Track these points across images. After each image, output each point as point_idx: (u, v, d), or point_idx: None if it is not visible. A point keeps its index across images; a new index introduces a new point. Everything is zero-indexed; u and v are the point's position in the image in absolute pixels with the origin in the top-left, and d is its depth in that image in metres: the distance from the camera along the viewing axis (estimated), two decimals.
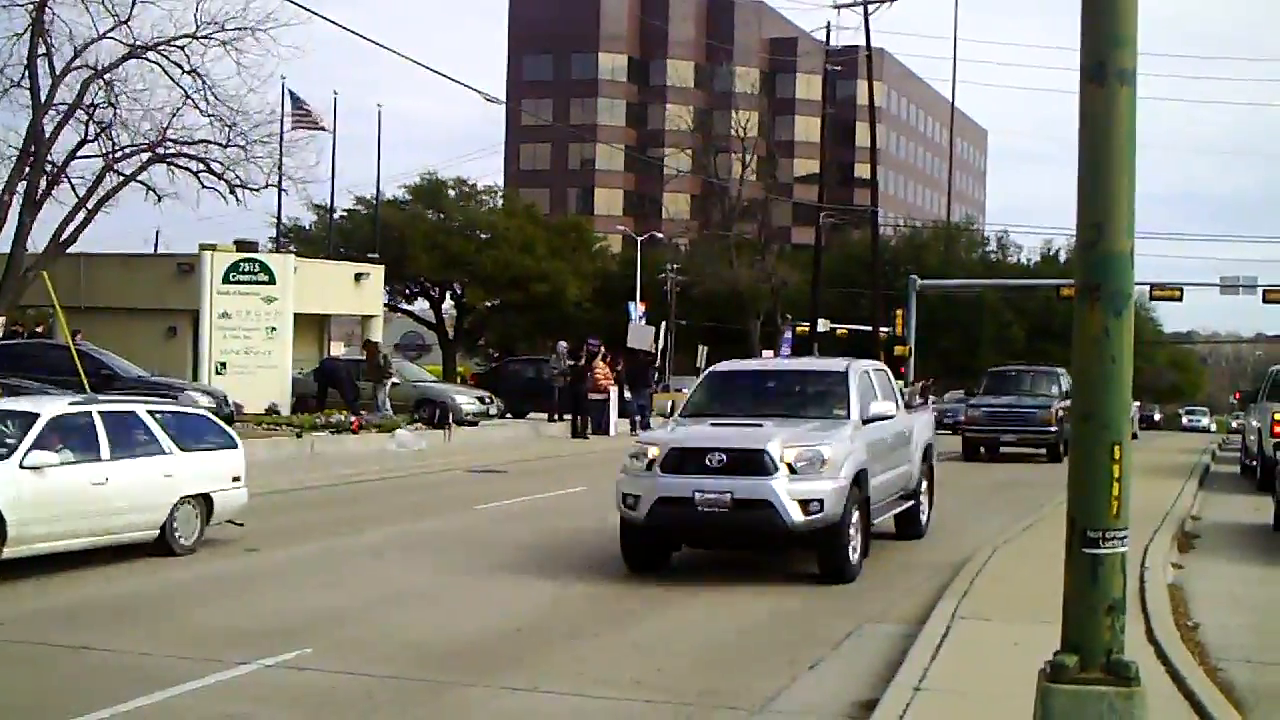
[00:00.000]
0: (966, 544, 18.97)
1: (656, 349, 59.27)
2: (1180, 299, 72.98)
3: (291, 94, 50.39)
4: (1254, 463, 31.61)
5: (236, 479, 18.08)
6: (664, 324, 60.46)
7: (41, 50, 37.45)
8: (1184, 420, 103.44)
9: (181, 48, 38.54)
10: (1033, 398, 40.12)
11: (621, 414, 43.29)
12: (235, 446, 18.35)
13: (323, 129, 52.18)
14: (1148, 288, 71.56)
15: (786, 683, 10.92)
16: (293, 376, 38.99)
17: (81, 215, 38.53)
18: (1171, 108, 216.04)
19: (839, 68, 78.53)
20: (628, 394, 44.08)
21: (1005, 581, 15.01)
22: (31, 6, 36.92)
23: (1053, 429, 37.45)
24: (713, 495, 14.87)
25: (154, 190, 40.06)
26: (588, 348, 42.96)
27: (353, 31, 33.03)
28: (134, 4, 37.77)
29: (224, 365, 37.31)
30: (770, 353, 69.34)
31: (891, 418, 17.55)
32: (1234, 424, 77.39)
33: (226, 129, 39.39)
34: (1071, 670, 6.66)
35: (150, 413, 17.36)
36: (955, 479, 33.18)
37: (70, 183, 39.01)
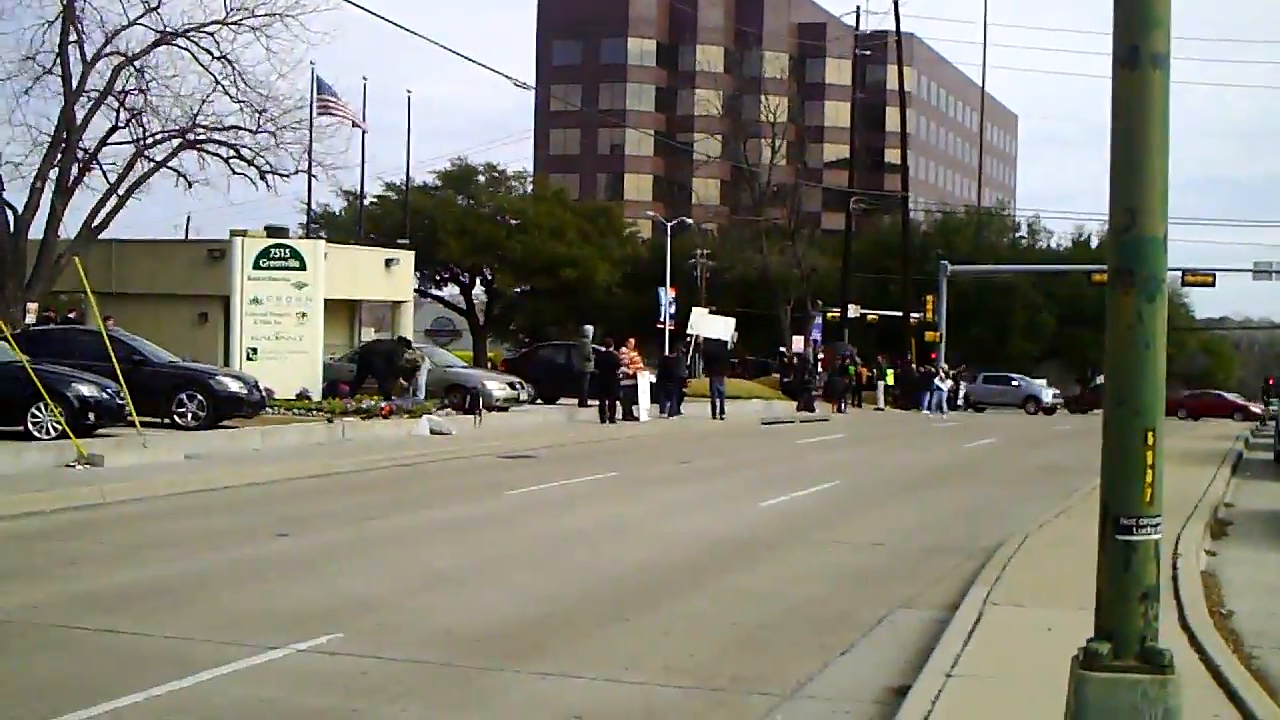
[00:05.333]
0: (1000, 529, 18.95)
1: (732, 338, 59.72)
2: (1213, 284, 72.89)
3: (320, 82, 50.41)
4: None
5: None
6: (698, 310, 60.50)
7: (73, 37, 37.57)
8: None
9: (211, 34, 38.63)
10: None
11: (652, 399, 43.29)
12: None
13: (348, 121, 52.24)
14: (1180, 273, 71.49)
15: (818, 668, 10.90)
16: (324, 361, 39.06)
17: (113, 201, 38.65)
18: (1203, 91, 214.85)
19: (869, 52, 78.57)
20: (651, 378, 44.05)
21: (1038, 567, 14.96)
22: None
23: None
24: None
25: (184, 176, 40.21)
26: (614, 337, 43.23)
27: (382, 17, 32.95)
28: None
29: (255, 351, 37.35)
30: (800, 339, 69.33)
31: None
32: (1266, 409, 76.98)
33: (257, 115, 39.49)
34: (1105, 658, 6.62)
35: None
36: (994, 463, 33.18)
37: (101, 169, 39.16)
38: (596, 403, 41.51)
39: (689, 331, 56.48)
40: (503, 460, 29.47)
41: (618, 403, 41.06)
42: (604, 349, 42.78)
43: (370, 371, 38.11)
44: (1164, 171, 6.67)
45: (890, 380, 66.45)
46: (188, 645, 11.15)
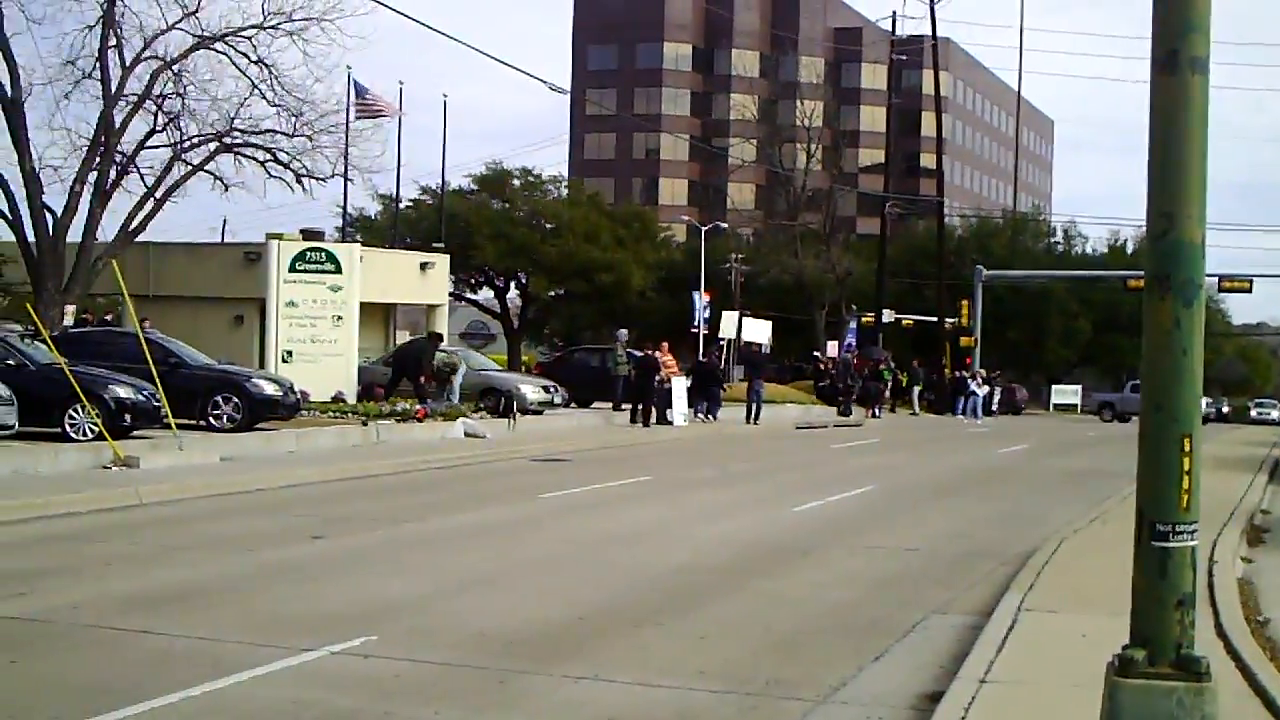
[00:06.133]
0: (1035, 534, 18.87)
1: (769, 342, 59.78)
2: (1250, 290, 72.50)
3: (356, 84, 50.57)
4: None
5: None
6: (737, 315, 60.51)
7: (112, 42, 37.84)
8: (1253, 412, 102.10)
9: (249, 38, 38.88)
10: None
11: (689, 403, 43.30)
12: None
13: (386, 115, 52.35)
14: (1217, 279, 71.11)
15: (852, 673, 10.88)
16: (359, 365, 39.17)
17: (150, 205, 38.87)
18: (1240, 95, 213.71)
19: (905, 57, 78.32)
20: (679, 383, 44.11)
21: (1073, 573, 14.90)
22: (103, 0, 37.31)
23: None
24: None
25: (221, 180, 40.45)
26: (650, 344, 43.38)
27: (418, 21, 33.15)
28: None
29: (290, 354, 37.49)
30: (835, 344, 69.18)
31: None
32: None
33: (293, 119, 39.70)
34: (1140, 664, 6.60)
35: None
36: (1028, 468, 33.06)
37: (139, 172, 39.42)
38: (629, 406, 41.58)
39: (720, 335, 56.45)
40: (537, 464, 29.51)
41: (652, 407, 41.09)
42: (642, 353, 42.79)
43: (404, 372, 38.11)
44: (1202, 176, 6.65)
45: (920, 386, 66.20)
46: (223, 646, 11.20)
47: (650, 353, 42.20)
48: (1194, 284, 6.62)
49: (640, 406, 40.95)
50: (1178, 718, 6.50)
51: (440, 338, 40.56)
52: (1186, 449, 6.61)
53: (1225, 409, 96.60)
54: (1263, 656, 10.95)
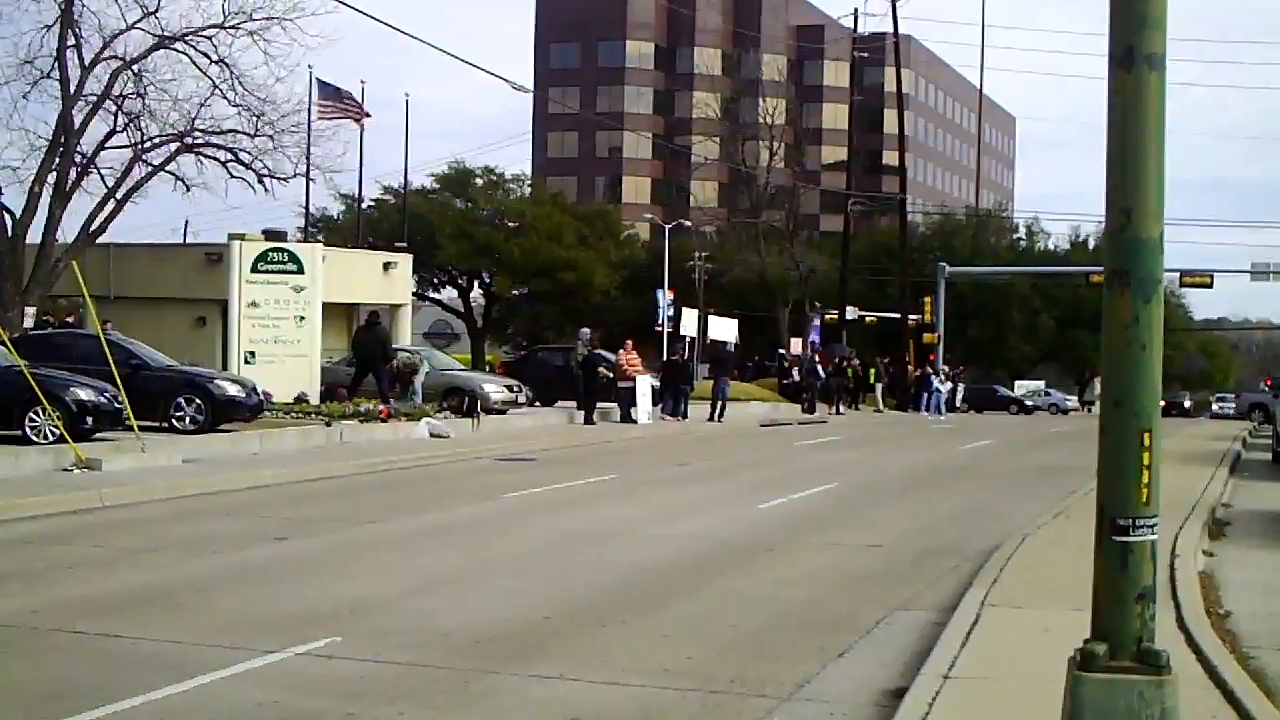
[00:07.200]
0: (998, 530, 18.94)
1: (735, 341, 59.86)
2: (1211, 285, 73.03)
3: (323, 83, 50.43)
4: None
5: None
6: (695, 312, 60.52)
7: (70, 41, 37.60)
8: (1214, 407, 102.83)
9: (209, 38, 38.68)
10: None
11: (655, 402, 43.31)
12: None
13: (364, 116, 52.21)
14: (1178, 274, 71.66)
15: (816, 670, 10.90)
16: (322, 365, 39.01)
17: (110, 205, 38.65)
18: (1201, 93, 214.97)
19: (866, 55, 78.55)
20: (654, 382, 44.12)
21: (1036, 568, 14.96)
22: None
23: None
24: None
25: (182, 180, 40.21)
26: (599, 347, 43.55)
27: (380, 21, 33.10)
28: None
29: (253, 354, 37.32)
30: (799, 341, 69.29)
31: None
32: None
33: (254, 119, 39.52)
34: (1101, 658, 6.63)
35: None
36: (991, 465, 33.15)
37: (99, 173, 39.18)
38: (582, 405, 41.63)
39: (682, 333, 56.55)
40: (501, 463, 29.47)
41: (608, 404, 41.19)
42: (588, 350, 42.95)
43: (370, 366, 37.65)
44: (1160, 172, 6.69)
45: (874, 380, 66.28)
46: (186, 649, 11.16)
47: (593, 351, 42.40)
48: (1152, 280, 6.66)
49: (586, 403, 41.13)
50: (1139, 711, 6.54)
51: (377, 314, 40.05)
52: (1146, 444, 6.65)
53: (1187, 404, 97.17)
54: (1223, 649, 11.01)
